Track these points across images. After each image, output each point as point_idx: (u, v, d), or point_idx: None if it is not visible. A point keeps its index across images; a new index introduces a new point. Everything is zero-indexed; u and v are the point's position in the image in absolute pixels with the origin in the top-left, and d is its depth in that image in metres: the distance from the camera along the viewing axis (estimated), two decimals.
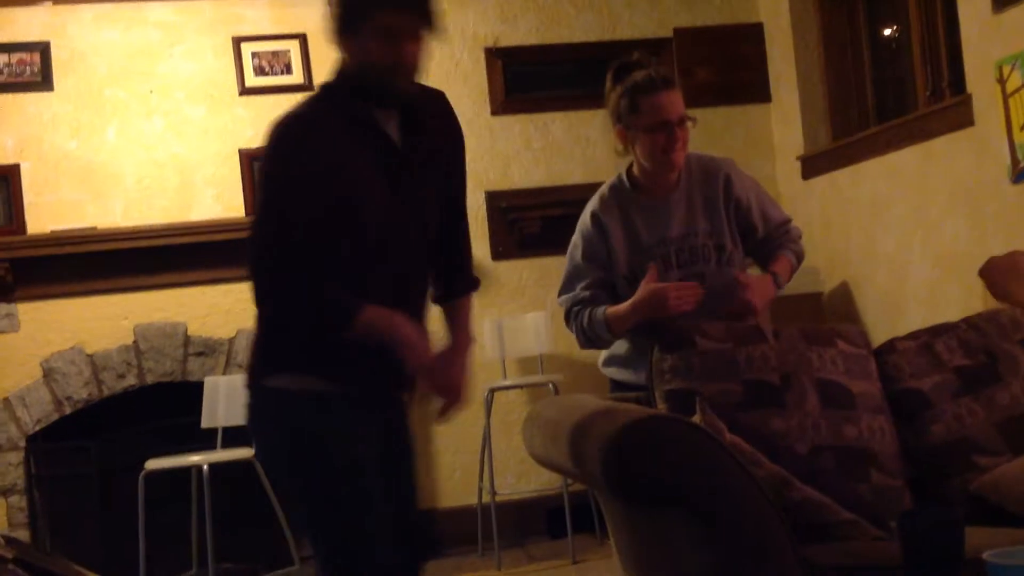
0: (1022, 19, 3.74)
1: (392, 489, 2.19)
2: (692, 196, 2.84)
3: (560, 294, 2.90)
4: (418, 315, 2.21)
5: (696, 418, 2.35)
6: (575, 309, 2.83)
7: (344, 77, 2.19)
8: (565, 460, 2.25)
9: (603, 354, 2.97)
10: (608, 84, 2.83)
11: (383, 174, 2.15)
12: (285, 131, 2.14)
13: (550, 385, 4.76)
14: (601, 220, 2.83)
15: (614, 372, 2.94)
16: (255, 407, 2.20)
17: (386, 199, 2.15)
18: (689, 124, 2.76)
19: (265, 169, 2.24)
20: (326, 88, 2.23)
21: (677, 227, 2.81)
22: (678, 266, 2.79)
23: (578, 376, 4.77)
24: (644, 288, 2.70)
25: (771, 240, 2.90)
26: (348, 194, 2.11)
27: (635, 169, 2.86)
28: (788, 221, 2.96)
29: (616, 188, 2.88)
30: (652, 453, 1.98)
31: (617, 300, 2.79)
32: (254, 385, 2.19)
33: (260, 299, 2.10)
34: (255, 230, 2.12)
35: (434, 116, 2.26)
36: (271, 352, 2.18)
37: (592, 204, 2.88)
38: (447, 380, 2.20)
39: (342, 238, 2.11)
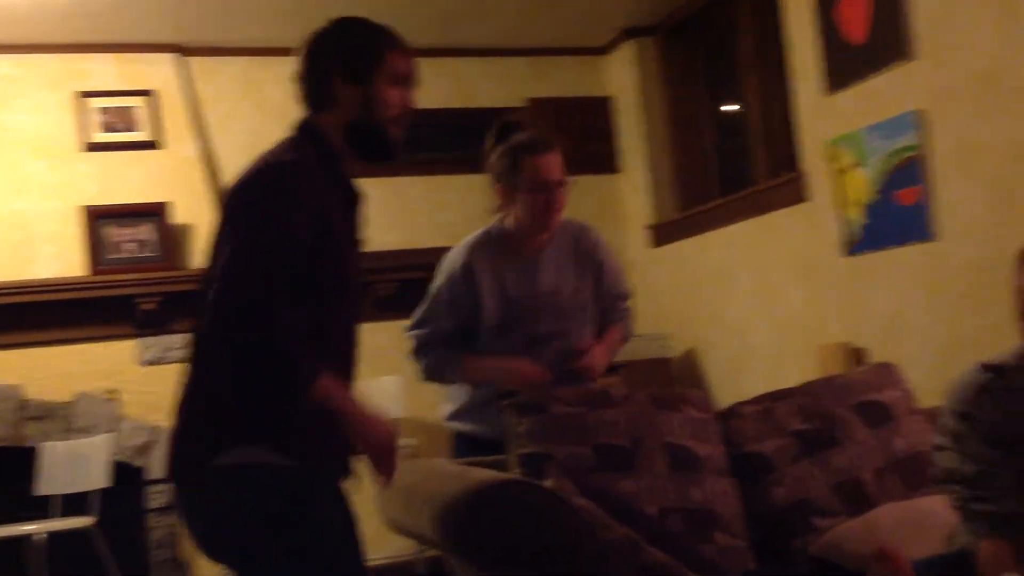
0: (851, 102, 3.98)
1: None
2: (562, 256, 2.90)
3: (413, 327, 2.91)
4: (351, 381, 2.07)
5: (549, 482, 2.37)
6: (430, 347, 2.86)
7: (330, 129, 2.00)
8: (420, 526, 2.23)
9: (448, 408, 2.99)
10: (490, 143, 2.86)
11: (353, 233, 2.05)
12: (281, 178, 1.90)
13: (407, 449, 4.72)
14: (472, 269, 2.85)
15: (459, 425, 2.95)
16: (215, 487, 1.89)
17: (357, 258, 2.05)
18: (567, 188, 2.81)
19: (256, 218, 1.89)
20: (305, 138, 2.01)
21: (546, 283, 2.87)
22: (545, 320, 2.85)
23: (435, 439, 4.75)
24: (519, 365, 2.78)
25: (610, 311, 3.00)
26: (336, 252, 1.94)
27: (509, 224, 2.88)
28: (627, 296, 3.06)
29: (488, 240, 2.90)
30: (504, 518, 1.99)
31: (468, 346, 2.84)
32: (208, 463, 1.88)
33: (234, 360, 1.83)
34: (238, 282, 1.81)
35: None
36: (233, 424, 1.89)
37: (463, 251, 2.89)
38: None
39: (325, 296, 1.92)
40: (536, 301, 2.85)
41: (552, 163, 2.78)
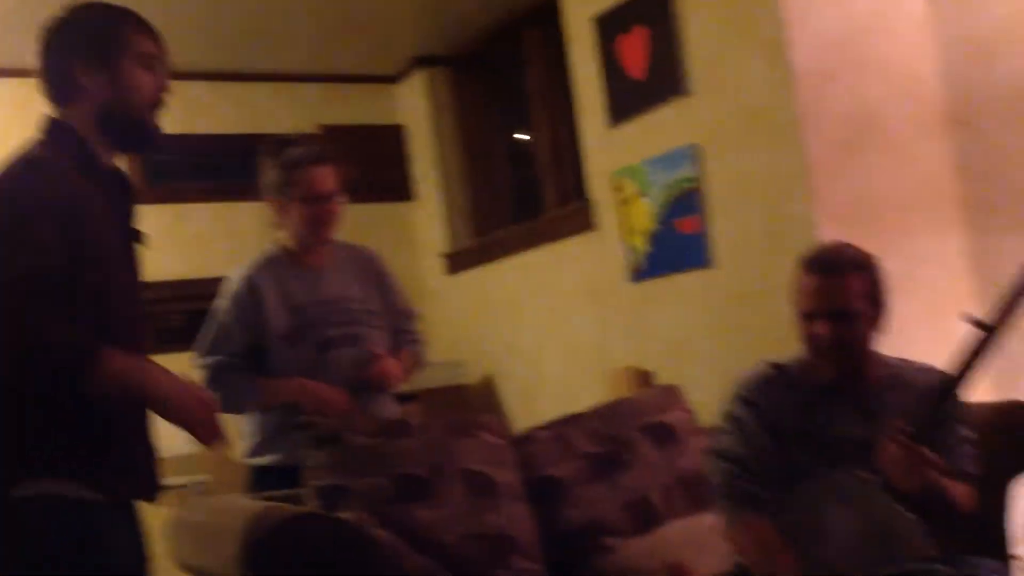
0: (632, 135, 4.15)
1: None
2: (345, 268, 2.96)
3: (204, 355, 2.86)
4: None
5: (346, 514, 2.35)
6: (223, 375, 2.82)
7: (80, 121, 1.88)
8: (211, 565, 2.17)
9: (244, 445, 2.95)
10: (264, 158, 2.88)
11: (124, 223, 1.94)
12: (17, 184, 1.79)
13: (199, 486, 4.56)
14: (254, 283, 2.85)
15: (257, 460, 2.92)
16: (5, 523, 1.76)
17: (131, 249, 1.94)
18: (341, 201, 2.86)
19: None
20: (52, 135, 1.90)
21: (333, 290, 2.91)
22: (336, 326, 2.87)
23: (231, 475, 4.61)
24: (318, 388, 2.78)
25: (402, 333, 3.04)
26: (98, 247, 1.81)
27: (288, 242, 2.92)
28: (415, 315, 3.11)
29: (269, 257, 2.93)
30: (299, 553, 1.96)
31: (261, 365, 2.82)
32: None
33: (8, 380, 1.70)
34: None
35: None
36: (23, 454, 1.76)
37: (244, 271, 2.90)
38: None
39: (88, 289, 1.78)
40: (325, 307, 2.88)
41: (325, 175, 2.83)
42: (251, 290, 2.85)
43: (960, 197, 3.55)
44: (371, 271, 3.01)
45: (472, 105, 5.77)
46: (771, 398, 2.18)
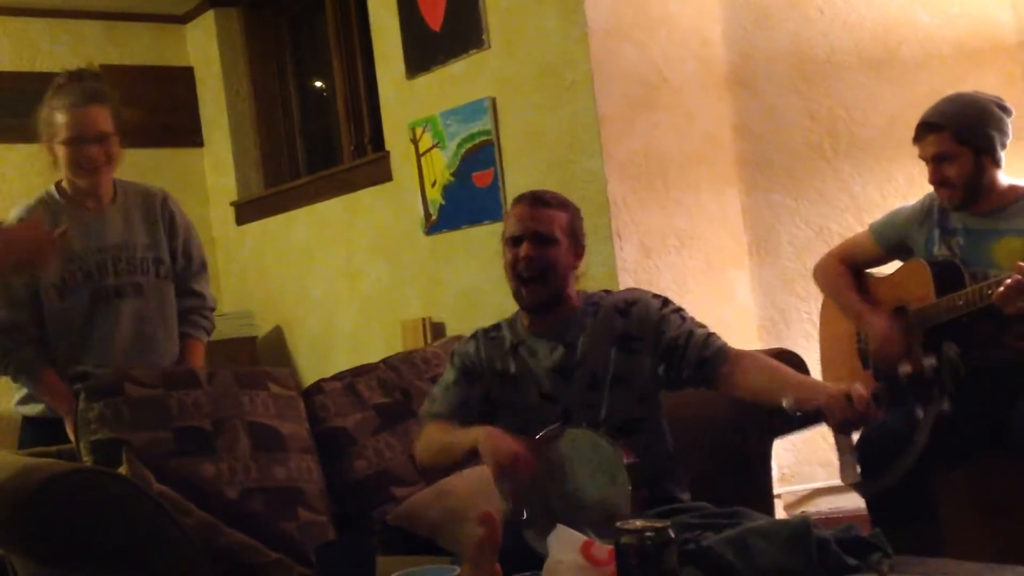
0: (431, 85, 4.13)
1: None
2: (129, 212, 2.84)
3: None
4: None
5: (122, 469, 2.26)
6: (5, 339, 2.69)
7: None
8: None
9: (17, 393, 2.83)
10: (41, 98, 2.76)
11: None
12: None
13: None
14: None
15: (28, 409, 2.81)
16: None
17: None
18: (114, 144, 2.74)
19: None
20: None
21: (114, 237, 2.79)
22: (115, 274, 2.76)
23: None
24: None
25: (188, 312, 2.95)
26: None
27: (64, 184, 2.80)
28: (205, 270, 3.01)
29: (44, 200, 2.79)
30: (70, 510, 1.87)
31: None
32: None
33: None
34: None
35: None
36: None
37: (16, 212, 2.77)
38: None
39: None
40: (102, 254, 2.77)
41: (95, 116, 2.71)
42: None
43: (738, 155, 3.71)
44: (160, 215, 2.88)
45: (265, 49, 5.60)
46: (473, 351, 2.35)
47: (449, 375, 2.36)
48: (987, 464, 2.62)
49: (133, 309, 2.79)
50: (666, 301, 2.30)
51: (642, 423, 2.22)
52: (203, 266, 3.01)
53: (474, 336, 2.39)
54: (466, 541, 1.60)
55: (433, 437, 2.28)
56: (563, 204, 2.29)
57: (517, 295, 2.27)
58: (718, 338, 2.22)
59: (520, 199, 2.31)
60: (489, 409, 2.30)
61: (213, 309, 3.03)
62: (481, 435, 2.10)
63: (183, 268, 2.93)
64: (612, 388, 2.21)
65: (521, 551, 1.86)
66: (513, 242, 2.26)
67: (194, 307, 2.97)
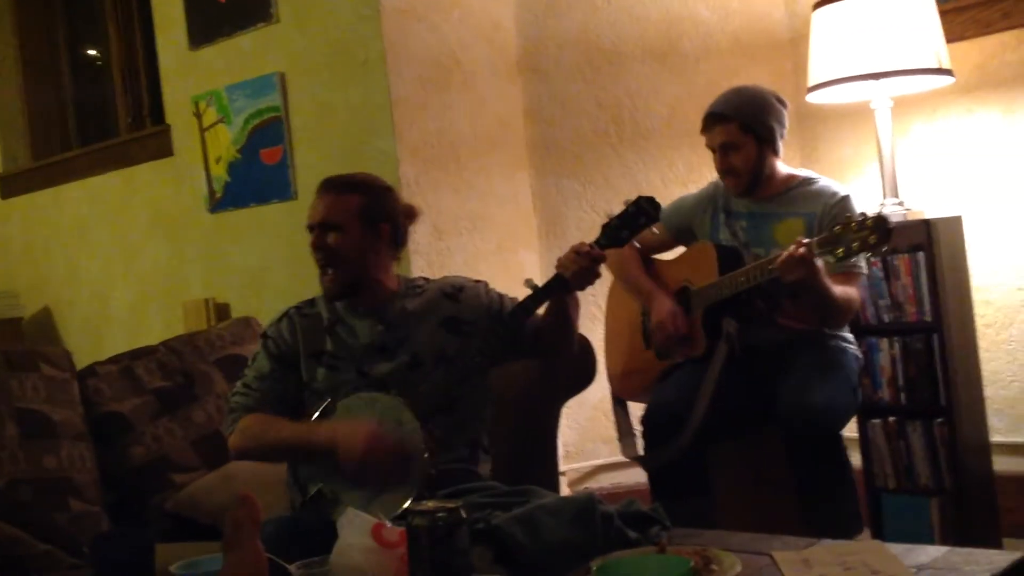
0: (215, 58, 3.98)
1: None
2: None
3: None
4: None
5: None
6: None
7: None
8: None
9: None
10: None
11: None
12: None
13: None
14: None
15: None
16: None
17: None
18: None
19: None
20: None
21: None
22: None
23: None
24: None
25: None
26: None
27: None
28: None
29: None
30: None
31: None
32: None
33: None
34: None
35: None
36: None
37: None
38: None
39: None
40: None
41: None
42: None
43: (528, 140, 3.76)
44: None
45: (33, 13, 5.24)
46: (287, 332, 2.30)
47: (263, 363, 2.29)
48: (755, 440, 2.77)
49: None
50: (487, 285, 2.39)
51: (459, 402, 2.24)
52: None
53: (286, 314, 2.34)
54: (224, 524, 1.57)
55: (255, 432, 2.20)
56: (355, 187, 2.28)
57: (320, 281, 2.28)
58: None
59: (318, 188, 2.30)
60: (303, 394, 2.26)
61: None
62: (338, 435, 2.07)
63: None
64: (435, 367, 2.24)
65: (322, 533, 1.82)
66: (309, 229, 2.28)
67: None
